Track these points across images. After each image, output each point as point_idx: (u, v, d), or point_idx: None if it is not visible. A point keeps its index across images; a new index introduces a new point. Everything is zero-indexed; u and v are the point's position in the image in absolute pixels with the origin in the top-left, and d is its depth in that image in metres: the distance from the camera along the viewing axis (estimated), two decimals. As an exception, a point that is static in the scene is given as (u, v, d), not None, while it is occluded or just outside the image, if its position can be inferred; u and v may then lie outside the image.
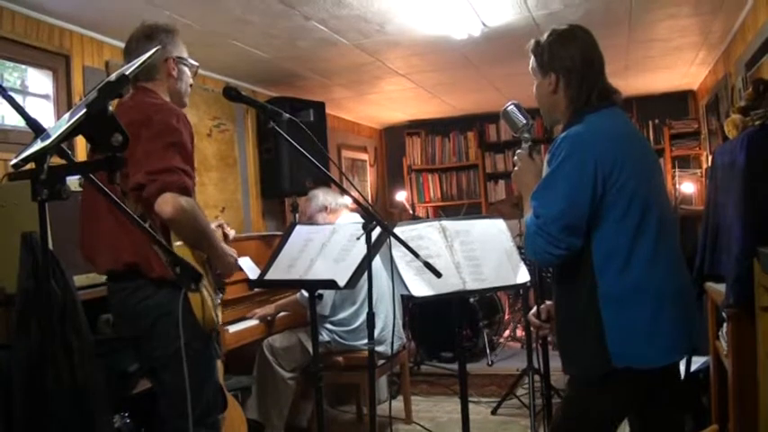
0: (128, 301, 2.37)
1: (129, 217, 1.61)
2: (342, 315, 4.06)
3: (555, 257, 1.98)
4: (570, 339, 2.09)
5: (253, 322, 3.95)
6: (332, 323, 4.06)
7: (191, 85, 2.63)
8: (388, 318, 4.04)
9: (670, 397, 2.11)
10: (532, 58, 2.20)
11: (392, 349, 3.99)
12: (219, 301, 2.47)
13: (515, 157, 2.27)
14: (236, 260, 2.60)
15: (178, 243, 2.31)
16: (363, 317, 3.99)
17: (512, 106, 2.30)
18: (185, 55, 2.59)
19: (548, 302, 2.35)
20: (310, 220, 4.28)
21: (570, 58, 2.09)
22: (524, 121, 2.28)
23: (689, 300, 2.09)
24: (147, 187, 2.19)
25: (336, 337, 4.02)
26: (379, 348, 3.90)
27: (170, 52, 2.51)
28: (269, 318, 4.01)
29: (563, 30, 2.15)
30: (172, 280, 2.19)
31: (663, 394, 2.08)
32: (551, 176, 1.99)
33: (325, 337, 3.98)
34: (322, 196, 4.29)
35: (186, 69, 2.58)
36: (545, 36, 2.16)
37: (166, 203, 2.18)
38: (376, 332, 3.84)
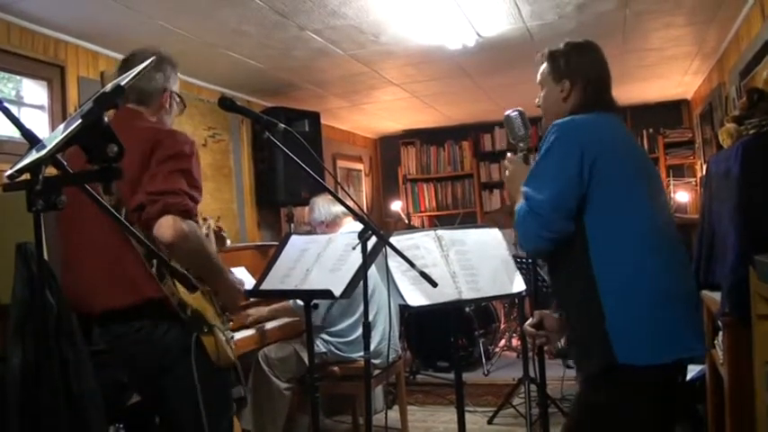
0: (151, 337, 2.20)
1: (131, 233, 1.53)
2: (340, 326, 4.05)
3: (547, 241, 1.99)
4: (575, 334, 2.09)
5: (248, 332, 3.93)
6: (329, 334, 4.04)
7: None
8: (385, 332, 4.02)
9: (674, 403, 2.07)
10: (546, 65, 2.21)
11: (388, 360, 3.98)
12: (232, 335, 2.39)
13: (506, 161, 2.28)
14: (242, 293, 2.51)
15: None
16: (361, 329, 3.97)
17: (516, 113, 2.32)
18: (178, 91, 2.53)
19: (543, 311, 2.35)
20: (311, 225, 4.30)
21: (587, 67, 2.14)
22: (523, 132, 2.30)
23: (694, 302, 2.08)
24: (148, 208, 2.09)
25: (333, 349, 4.01)
26: (375, 361, 3.89)
27: (171, 85, 2.47)
28: (262, 321, 4.00)
29: (580, 42, 2.19)
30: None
31: (670, 398, 2.04)
32: (541, 160, 2.02)
33: (321, 348, 3.96)
34: (319, 207, 4.29)
35: (176, 106, 2.52)
36: (561, 45, 2.19)
37: (167, 226, 2.07)
38: (373, 344, 3.84)
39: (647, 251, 1.95)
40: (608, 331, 1.91)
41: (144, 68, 1.62)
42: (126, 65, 2.39)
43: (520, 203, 2.05)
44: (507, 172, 2.27)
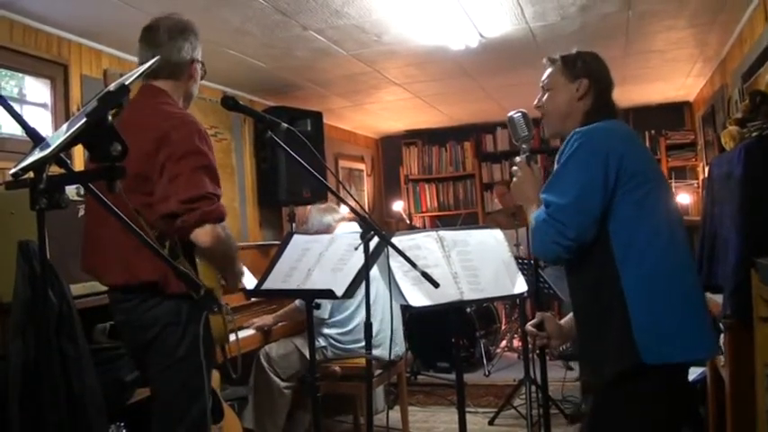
0: (136, 311, 2.28)
1: (137, 235, 1.53)
2: (338, 317, 4.06)
3: (563, 249, 1.95)
4: (594, 338, 2.05)
5: (249, 332, 3.94)
6: (327, 326, 4.05)
7: None
8: (384, 321, 4.01)
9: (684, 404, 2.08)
10: (556, 66, 2.21)
11: (390, 355, 3.98)
12: (233, 317, 2.48)
13: (514, 167, 2.27)
14: (243, 275, 2.60)
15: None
16: (358, 319, 4.00)
17: (519, 114, 2.32)
18: (201, 59, 2.54)
19: (545, 313, 2.35)
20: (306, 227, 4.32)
21: (602, 69, 2.18)
22: (526, 133, 2.30)
23: (705, 302, 2.09)
24: (184, 217, 2.13)
25: (332, 341, 4.02)
26: (375, 352, 3.88)
27: (197, 54, 2.48)
28: (266, 328, 4.00)
29: (591, 51, 2.22)
30: (187, 295, 2.18)
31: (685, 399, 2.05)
32: (563, 166, 2.00)
33: (321, 342, 3.97)
34: (312, 218, 4.31)
35: (200, 72, 2.55)
36: (573, 51, 2.21)
37: (206, 235, 2.16)
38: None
39: (669, 252, 1.96)
40: (634, 333, 1.90)
41: (148, 67, 1.62)
42: (149, 33, 2.41)
43: (537, 211, 2.03)
44: (515, 178, 2.25)
